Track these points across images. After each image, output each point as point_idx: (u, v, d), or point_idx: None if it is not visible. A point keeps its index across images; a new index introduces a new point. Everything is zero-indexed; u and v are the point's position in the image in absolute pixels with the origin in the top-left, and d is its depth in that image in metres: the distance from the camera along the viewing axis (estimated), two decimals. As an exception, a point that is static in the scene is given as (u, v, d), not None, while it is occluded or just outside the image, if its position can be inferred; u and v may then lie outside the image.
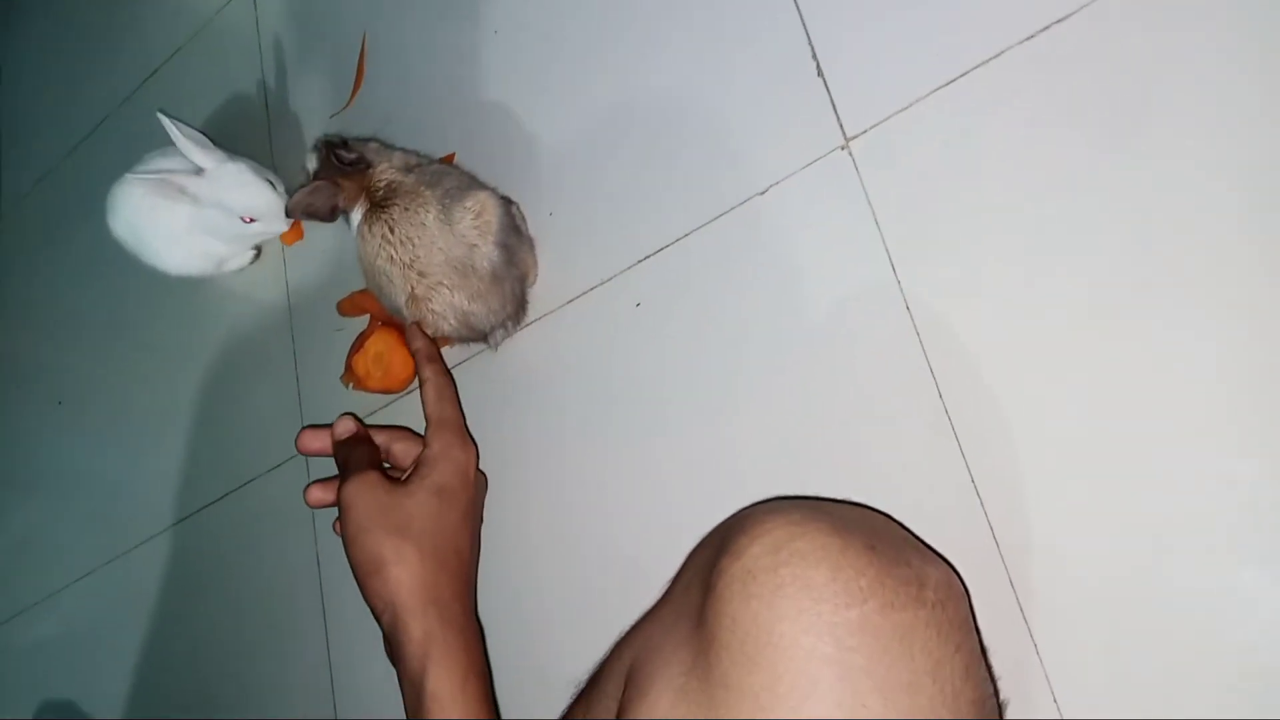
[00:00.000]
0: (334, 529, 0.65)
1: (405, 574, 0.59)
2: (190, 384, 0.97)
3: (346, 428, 0.68)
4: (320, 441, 0.68)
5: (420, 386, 0.67)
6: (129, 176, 0.83)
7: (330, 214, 0.70)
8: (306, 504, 0.67)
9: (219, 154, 0.81)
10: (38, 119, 1.31)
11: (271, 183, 0.83)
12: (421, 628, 0.57)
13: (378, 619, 0.60)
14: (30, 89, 1.34)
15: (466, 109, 0.79)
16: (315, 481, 0.68)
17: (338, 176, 0.68)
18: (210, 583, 0.91)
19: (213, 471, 0.93)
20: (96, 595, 1.02)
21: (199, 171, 0.80)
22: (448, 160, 0.77)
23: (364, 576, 0.60)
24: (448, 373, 0.69)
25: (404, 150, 0.72)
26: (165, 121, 0.78)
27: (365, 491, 0.61)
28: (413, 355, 0.69)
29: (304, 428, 0.69)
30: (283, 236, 0.89)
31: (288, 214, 0.72)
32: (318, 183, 0.68)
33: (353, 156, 0.68)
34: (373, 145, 0.71)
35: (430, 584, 0.59)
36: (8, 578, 1.14)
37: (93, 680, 1.00)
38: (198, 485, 0.94)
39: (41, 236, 1.23)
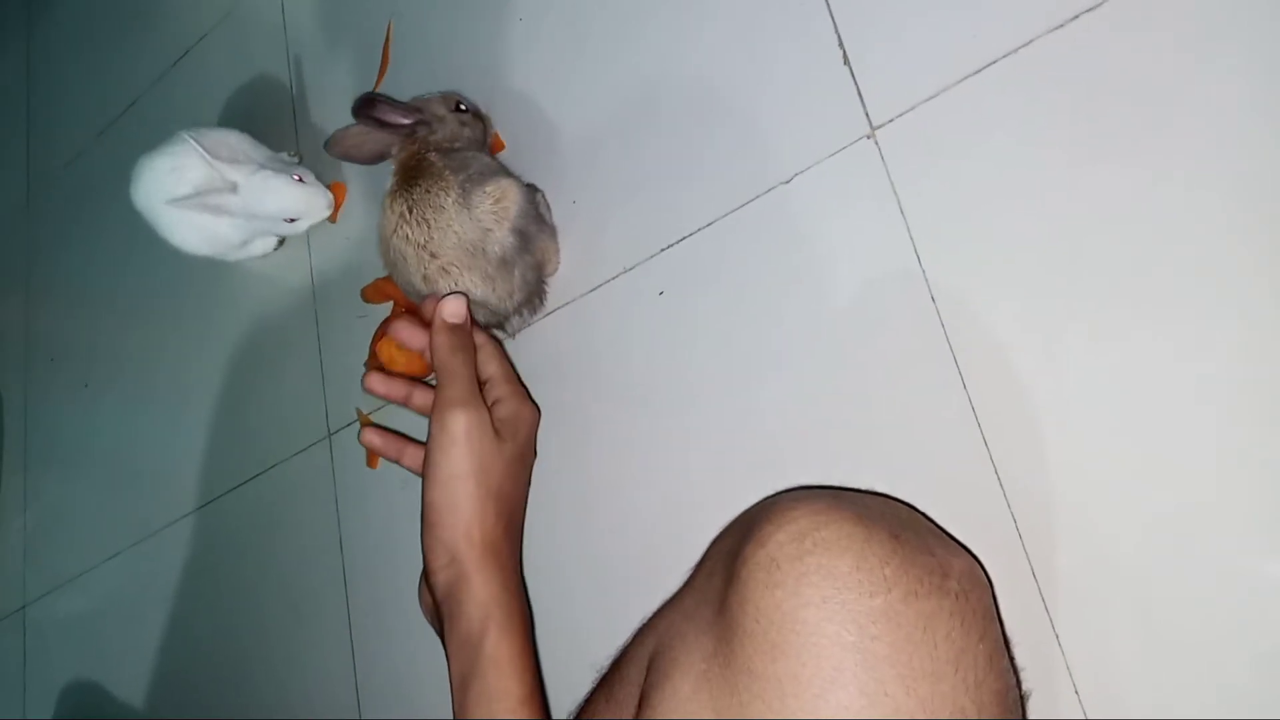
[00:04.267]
0: (364, 440, 0.66)
1: (481, 534, 0.58)
2: (215, 368, 0.98)
3: (459, 311, 0.63)
4: (386, 387, 0.67)
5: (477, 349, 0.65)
6: (169, 204, 0.83)
7: (374, 159, 0.71)
8: (360, 440, 0.66)
9: (248, 166, 0.82)
10: (67, 101, 1.32)
11: (300, 176, 0.84)
12: (487, 591, 0.56)
13: (431, 571, 0.59)
14: (60, 71, 1.35)
15: (491, 96, 0.79)
16: (372, 425, 0.67)
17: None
18: (234, 566, 0.92)
19: (237, 456, 0.94)
20: (123, 576, 1.03)
21: (234, 187, 0.81)
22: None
23: (436, 522, 0.58)
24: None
25: (483, 149, 0.73)
26: (192, 144, 0.78)
27: (478, 433, 0.59)
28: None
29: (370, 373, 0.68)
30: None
31: (326, 147, 0.73)
32: (372, 132, 0.70)
33: (406, 123, 0.69)
34: (466, 132, 0.72)
35: (500, 548, 0.59)
36: (36, 557, 1.15)
37: (118, 660, 1.01)
38: (222, 469, 0.95)
39: (70, 218, 1.24)
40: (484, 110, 0.76)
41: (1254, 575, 0.46)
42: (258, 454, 0.91)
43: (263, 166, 0.82)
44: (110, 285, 1.15)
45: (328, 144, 0.72)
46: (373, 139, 0.71)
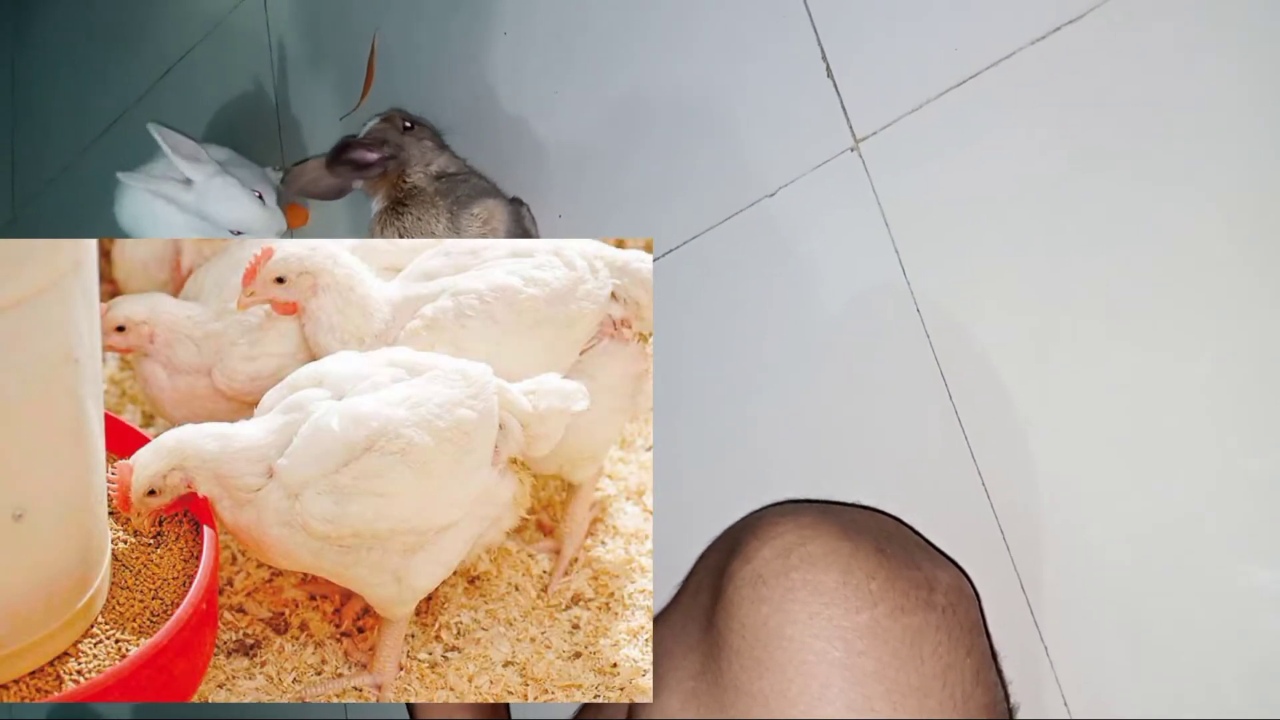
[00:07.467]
0: None
1: None
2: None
3: None
4: None
5: None
6: (121, 177, 0.83)
7: (333, 194, 0.71)
8: None
9: (210, 167, 0.81)
10: (51, 118, 1.31)
11: (261, 195, 0.83)
12: None
13: None
14: (44, 88, 1.35)
15: (477, 111, 0.79)
16: None
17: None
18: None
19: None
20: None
21: (189, 183, 0.80)
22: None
23: None
24: None
25: (451, 154, 0.72)
26: (155, 133, 0.78)
27: None
28: None
29: None
30: (290, 221, 0.89)
31: (282, 184, 0.71)
32: (325, 173, 0.69)
33: (373, 158, 0.68)
34: (426, 144, 0.71)
35: None
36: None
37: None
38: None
39: (54, 235, 1.24)
40: (420, 116, 0.74)
41: (1239, 584, 0.46)
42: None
43: (225, 172, 0.82)
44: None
45: (284, 181, 0.71)
46: (326, 180, 0.69)
